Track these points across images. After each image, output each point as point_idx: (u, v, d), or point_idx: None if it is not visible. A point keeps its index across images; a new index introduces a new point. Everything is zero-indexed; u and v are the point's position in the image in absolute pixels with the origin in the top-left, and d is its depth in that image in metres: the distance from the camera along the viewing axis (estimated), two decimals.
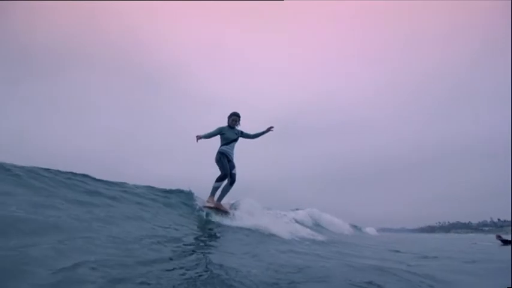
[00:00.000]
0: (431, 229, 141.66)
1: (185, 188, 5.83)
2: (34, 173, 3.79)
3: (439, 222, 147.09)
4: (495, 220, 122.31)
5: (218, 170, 4.75)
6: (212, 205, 4.69)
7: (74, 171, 4.76)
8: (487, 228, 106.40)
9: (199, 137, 4.47)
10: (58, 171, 4.46)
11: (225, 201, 5.02)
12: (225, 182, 4.76)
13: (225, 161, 4.71)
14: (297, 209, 9.46)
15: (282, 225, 5.07)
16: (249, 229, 4.36)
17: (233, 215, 4.76)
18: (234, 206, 5.17)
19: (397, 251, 4.63)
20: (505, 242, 9.28)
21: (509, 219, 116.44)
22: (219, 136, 4.79)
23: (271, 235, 4.29)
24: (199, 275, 1.66)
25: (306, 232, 5.62)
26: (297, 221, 7.10)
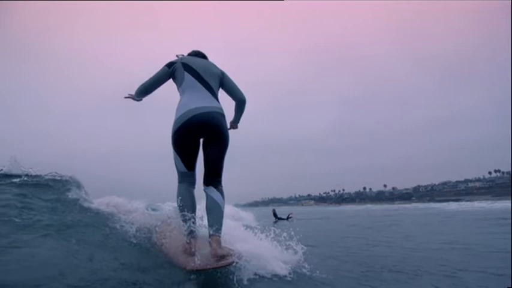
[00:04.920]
0: (256, 203, 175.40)
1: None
2: None
3: (262, 198, 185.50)
4: (297, 196, 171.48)
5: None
6: (219, 263, 1.66)
7: None
8: (292, 202, 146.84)
9: None
10: None
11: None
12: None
13: None
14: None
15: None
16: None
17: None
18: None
19: None
20: (275, 217, 11.11)
21: (305, 194, 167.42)
22: (217, 81, 2.18)
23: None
24: None
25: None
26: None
